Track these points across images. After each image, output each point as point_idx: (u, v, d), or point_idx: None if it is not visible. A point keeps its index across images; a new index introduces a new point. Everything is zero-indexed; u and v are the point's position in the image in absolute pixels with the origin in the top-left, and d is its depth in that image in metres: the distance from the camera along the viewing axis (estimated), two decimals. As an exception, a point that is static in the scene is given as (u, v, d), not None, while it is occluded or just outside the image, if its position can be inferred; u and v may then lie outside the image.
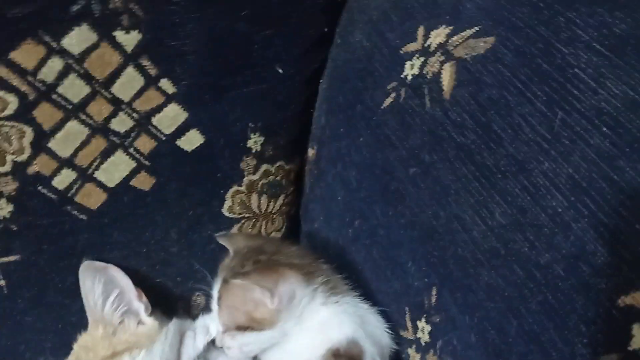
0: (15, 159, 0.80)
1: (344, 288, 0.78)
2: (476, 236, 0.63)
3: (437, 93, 0.72)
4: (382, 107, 0.80)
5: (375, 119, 0.82)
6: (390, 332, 0.76)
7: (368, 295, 0.81)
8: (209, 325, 0.93)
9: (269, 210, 1.02)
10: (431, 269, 0.70)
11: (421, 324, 0.72)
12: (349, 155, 0.87)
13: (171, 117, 0.86)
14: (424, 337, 0.72)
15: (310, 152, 1.01)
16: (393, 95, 0.79)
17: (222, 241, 0.85)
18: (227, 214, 0.98)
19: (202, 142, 0.89)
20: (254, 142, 0.93)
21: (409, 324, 0.75)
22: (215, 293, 0.76)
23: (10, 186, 0.81)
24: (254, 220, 1.01)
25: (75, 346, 0.89)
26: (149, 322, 0.91)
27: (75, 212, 0.87)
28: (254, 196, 0.98)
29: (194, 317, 0.98)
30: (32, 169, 0.81)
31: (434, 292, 0.70)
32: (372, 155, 0.82)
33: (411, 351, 0.75)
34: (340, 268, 0.81)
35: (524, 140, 0.62)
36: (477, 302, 0.62)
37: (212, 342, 0.86)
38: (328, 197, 0.94)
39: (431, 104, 0.72)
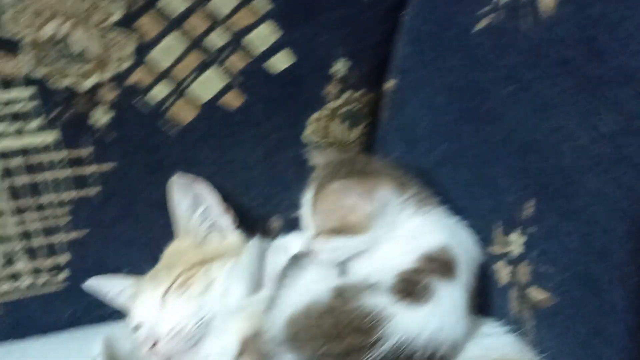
0: (117, 69, 0.82)
1: (433, 201, 0.79)
2: (583, 144, 0.64)
3: (536, 12, 0.72)
4: (474, 31, 0.81)
5: (467, 42, 0.82)
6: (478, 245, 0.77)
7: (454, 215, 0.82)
8: (288, 245, 0.95)
9: (347, 139, 1.03)
10: (528, 181, 0.71)
11: (514, 236, 0.74)
12: (437, 80, 0.88)
13: (264, 35, 0.87)
14: (517, 249, 0.74)
15: (390, 83, 1.02)
16: (487, 18, 0.80)
17: (310, 155, 0.87)
18: (308, 139, 0.99)
19: (290, 63, 0.91)
20: (341, 66, 0.95)
21: (499, 238, 0.77)
22: (307, 200, 0.78)
23: (110, 95, 0.84)
24: (333, 147, 1.02)
25: (165, 253, 0.93)
26: (235, 235, 0.94)
27: (167, 126, 0.89)
28: (335, 123, 1.00)
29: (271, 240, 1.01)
30: (132, 79, 0.84)
31: (531, 203, 0.71)
32: (463, 77, 0.83)
33: (499, 265, 0.77)
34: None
35: (633, 52, 0.62)
36: (582, 206, 0.63)
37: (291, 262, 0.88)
38: (412, 124, 0.95)
39: (529, 23, 0.72)
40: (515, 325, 0.76)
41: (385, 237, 0.76)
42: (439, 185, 0.87)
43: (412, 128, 0.95)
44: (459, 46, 0.83)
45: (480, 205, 0.80)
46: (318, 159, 0.85)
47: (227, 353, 0.76)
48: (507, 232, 0.75)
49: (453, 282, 0.72)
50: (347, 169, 0.78)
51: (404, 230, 0.76)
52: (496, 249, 0.77)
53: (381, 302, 0.69)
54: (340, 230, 0.75)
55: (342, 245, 0.75)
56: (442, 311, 0.70)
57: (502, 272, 0.77)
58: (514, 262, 0.74)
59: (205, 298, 0.85)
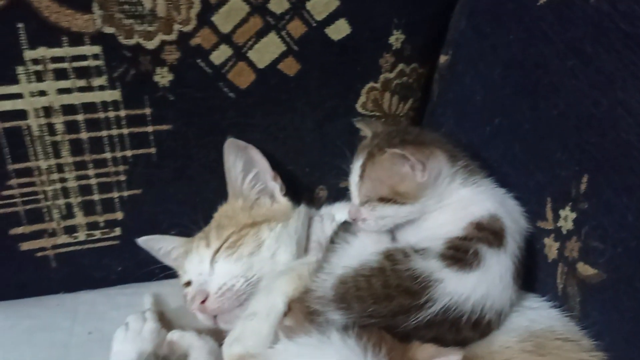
0: (181, 29, 0.85)
1: (482, 173, 0.80)
2: (645, 119, 0.63)
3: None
4: (538, 4, 0.81)
5: (530, 15, 0.82)
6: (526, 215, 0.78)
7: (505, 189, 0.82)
8: (334, 213, 0.97)
9: (397, 112, 1.04)
10: (583, 156, 0.71)
11: (564, 212, 0.74)
12: (493, 55, 0.88)
13: (324, 3, 0.88)
14: (567, 225, 0.74)
15: (443, 58, 1.02)
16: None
17: (360, 125, 0.88)
18: (359, 109, 1.01)
19: (348, 32, 0.92)
20: (395, 38, 0.95)
21: (549, 214, 0.77)
22: (356, 168, 0.79)
23: (174, 55, 0.86)
24: (382, 120, 1.03)
25: (216, 215, 0.96)
26: (283, 201, 0.96)
27: (225, 89, 0.91)
28: (387, 95, 1.01)
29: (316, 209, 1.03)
30: (195, 41, 0.86)
31: (584, 179, 0.71)
32: (521, 51, 0.83)
33: (548, 240, 0.77)
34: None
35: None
36: (638, 183, 0.63)
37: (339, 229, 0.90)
38: (463, 99, 0.95)
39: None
40: (561, 300, 0.77)
41: (435, 206, 0.77)
42: (489, 159, 0.87)
43: (464, 102, 0.96)
44: (520, 20, 0.83)
45: (531, 180, 0.80)
46: (368, 129, 0.86)
47: (275, 312, 0.78)
48: (557, 208, 0.75)
49: (501, 251, 0.73)
50: (399, 139, 0.78)
51: (453, 199, 0.77)
52: (545, 224, 0.77)
53: (431, 266, 0.71)
54: (390, 198, 0.76)
55: (389, 214, 0.76)
56: (490, 278, 0.71)
57: (550, 248, 0.77)
58: (564, 237, 0.74)
59: (254, 259, 0.87)
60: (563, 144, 0.75)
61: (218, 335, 0.86)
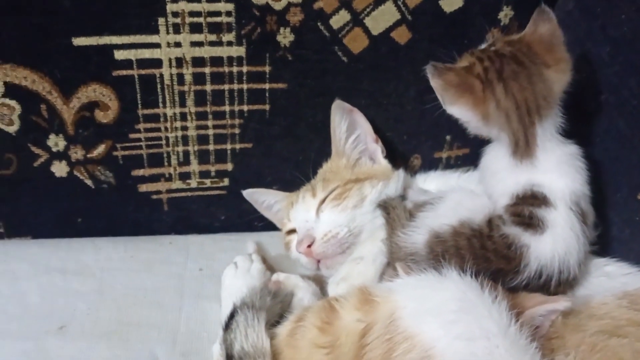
0: (307, -9, 0.91)
1: None
2: None
3: None
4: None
5: (643, -5, 0.84)
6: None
7: (602, 164, 0.85)
8: (433, 179, 1.02)
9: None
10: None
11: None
12: (603, 33, 0.91)
13: (440, -26, 0.93)
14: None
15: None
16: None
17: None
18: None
19: (460, 5, 0.97)
20: (505, 14, 0.99)
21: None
22: None
23: (297, 17, 0.93)
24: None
25: (321, 170, 1.03)
26: (384, 163, 1.02)
27: (339, 53, 0.97)
28: (489, 70, 1.04)
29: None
30: (318, 5, 0.92)
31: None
32: (631, 31, 0.86)
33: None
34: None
35: None
36: None
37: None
38: (567, 77, 0.98)
39: None
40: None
41: None
42: (591, 134, 0.90)
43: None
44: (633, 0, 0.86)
45: (635, 154, 0.83)
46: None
47: (380, 258, 0.84)
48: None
49: (557, 212, 0.76)
50: None
51: None
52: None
53: (515, 232, 0.75)
54: None
55: None
56: (561, 232, 0.75)
57: None
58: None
59: (357, 211, 0.93)
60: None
61: (316, 283, 0.92)
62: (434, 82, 0.79)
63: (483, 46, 0.83)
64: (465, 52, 0.83)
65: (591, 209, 0.80)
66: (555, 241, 0.75)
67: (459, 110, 0.80)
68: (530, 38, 0.80)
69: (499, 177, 0.82)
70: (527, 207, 0.77)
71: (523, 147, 0.78)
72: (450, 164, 1.12)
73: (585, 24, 0.95)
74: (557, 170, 0.78)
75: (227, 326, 0.74)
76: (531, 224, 0.76)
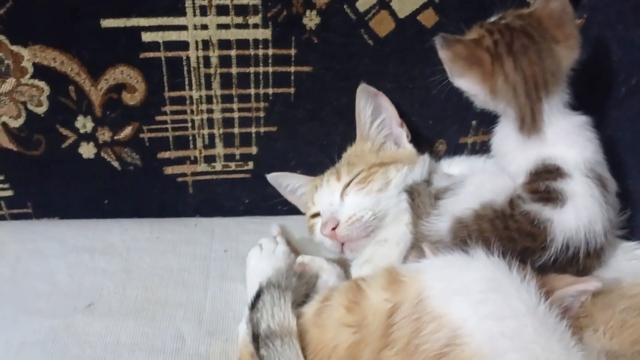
0: (334, -27, 0.90)
1: None
2: None
3: None
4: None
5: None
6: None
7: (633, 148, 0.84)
8: (456, 164, 1.02)
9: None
10: None
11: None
12: (635, 16, 0.90)
13: (469, -43, 0.92)
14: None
15: (578, 21, 1.03)
16: None
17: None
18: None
19: (488, -11, 0.95)
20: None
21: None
22: None
23: (323, 0, 0.92)
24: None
25: (345, 154, 1.03)
26: (409, 147, 1.01)
27: (365, 36, 0.97)
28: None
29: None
30: (344, -14, 0.92)
31: None
32: (666, 13, 0.84)
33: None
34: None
35: None
36: None
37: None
38: (595, 61, 0.97)
39: None
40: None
41: None
42: (622, 118, 0.89)
43: (596, 64, 0.97)
44: (666, -18, 0.85)
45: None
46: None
47: (404, 240, 0.84)
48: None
49: (574, 181, 0.75)
50: None
51: None
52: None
53: (537, 208, 0.74)
54: None
55: None
56: (583, 202, 0.74)
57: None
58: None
59: (382, 195, 0.93)
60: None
61: (340, 266, 0.93)
62: (442, 54, 0.79)
63: (493, 19, 0.82)
64: (475, 24, 0.82)
65: (610, 177, 0.78)
66: (578, 211, 0.74)
67: (467, 83, 0.79)
68: (541, 13, 0.79)
69: (510, 157, 0.81)
70: (543, 182, 0.76)
71: (529, 123, 0.78)
72: (476, 150, 1.11)
73: (617, 6, 0.94)
74: (566, 140, 0.77)
75: (254, 305, 0.74)
76: (550, 198, 0.75)
